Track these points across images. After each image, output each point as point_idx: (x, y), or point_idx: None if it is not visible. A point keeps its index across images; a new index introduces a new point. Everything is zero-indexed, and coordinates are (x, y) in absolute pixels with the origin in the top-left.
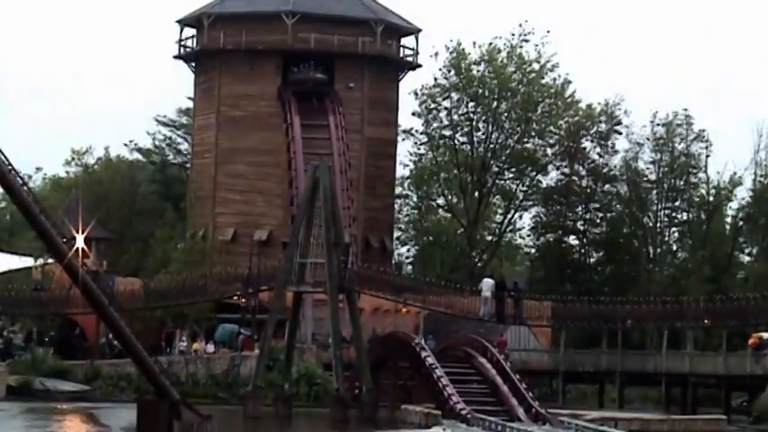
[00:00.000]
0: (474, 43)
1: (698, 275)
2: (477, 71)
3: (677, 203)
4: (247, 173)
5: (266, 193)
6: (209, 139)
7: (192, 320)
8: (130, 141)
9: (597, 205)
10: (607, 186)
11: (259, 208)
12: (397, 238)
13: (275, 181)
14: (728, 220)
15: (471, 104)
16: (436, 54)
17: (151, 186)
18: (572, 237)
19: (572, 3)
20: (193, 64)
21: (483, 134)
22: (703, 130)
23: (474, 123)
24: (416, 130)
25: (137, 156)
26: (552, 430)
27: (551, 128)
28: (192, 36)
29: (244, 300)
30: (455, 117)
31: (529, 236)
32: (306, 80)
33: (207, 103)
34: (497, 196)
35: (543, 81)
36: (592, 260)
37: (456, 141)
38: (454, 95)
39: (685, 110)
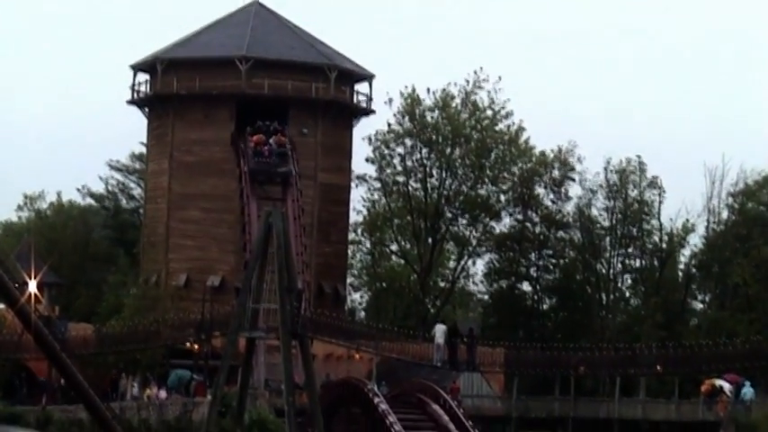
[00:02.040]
0: (428, 89)
1: (650, 322)
2: (431, 117)
3: (630, 250)
4: (200, 218)
5: (219, 239)
6: (162, 184)
7: (145, 366)
8: (83, 186)
9: (550, 252)
10: (560, 233)
11: (212, 254)
12: (351, 284)
13: (228, 227)
14: (681, 266)
15: (425, 150)
16: (390, 100)
17: (104, 231)
18: (525, 283)
19: (525, 50)
20: (147, 109)
21: (436, 180)
22: (656, 177)
23: (427, 169)
24: (370, 176)
25: (89, 201)
26: None
27: (505, 174)
28: (146, 81)
29: (196, 346)
30: (409, 163)
31: (482, 282)
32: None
33: (160, 148)
34: (451, 242)
35: (497, 128)
36: (545, 306)
37: (409, 187)
38: (408, 141)
39: (638, 156)
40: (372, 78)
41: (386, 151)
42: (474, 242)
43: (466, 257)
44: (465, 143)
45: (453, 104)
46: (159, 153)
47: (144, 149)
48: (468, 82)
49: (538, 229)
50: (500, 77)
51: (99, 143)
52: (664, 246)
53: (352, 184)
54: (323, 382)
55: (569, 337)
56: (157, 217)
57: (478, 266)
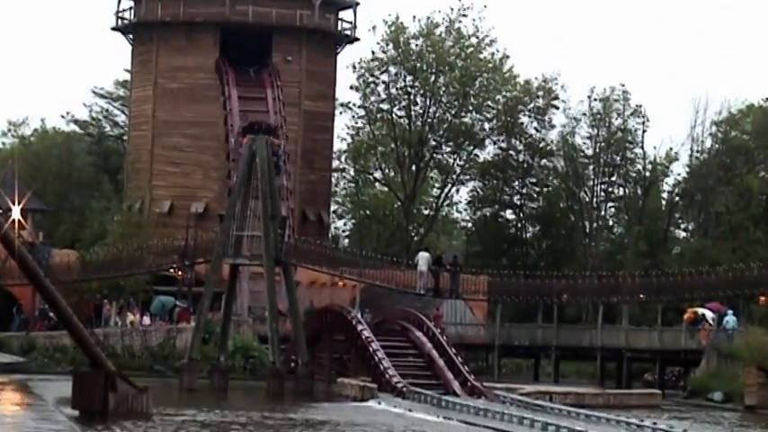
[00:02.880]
0: (413, 17)
1: (633, 250)
2: (416, 45)
3: (614, 179)
4: (184, 145)
5: (203, 166)
6: (146, 111)
7: (129, 293)
8: (67, 113)
9: (534, 180)
10: (544, 161)
11: (196, 180)
12: (334, 212)
13: (212, 154)
14: (664, 195)
15: (409, 78)
16: (374, 28)
17: (88, 158)
18: (509, 211)
19: None
20: (131, 36)
21: (420, 108)
22: (640, 106)
23: (412, 97)
24: (354, 104)
25: (73, 128)
26: (487, 404)
27: (489, 102)
28: (130, 8)
29: (180, 272)
30: (393, 91)
31: (466, 210)
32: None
33: (144, 75)
34: (434, 170)
35: (481, 56)
36: (528, 234)
37: (393, 115)
38: (392, 69)
39: (622, 85)
40: (357, 5)
41: (370, 79)
42: (458, 170)
43: (450, 185)
44: (449, 71)
45: (438, 32)
46: (143, 80)
47: (128, 76)
48: (452, 9)
49: (521, 158)
50: (485, 5)
51: (83, 70)
52: (647, 174)
53: (337, 112)
54: (306, 310)
55: (552, 265)
56: (141, 144)
57: (462, 194)
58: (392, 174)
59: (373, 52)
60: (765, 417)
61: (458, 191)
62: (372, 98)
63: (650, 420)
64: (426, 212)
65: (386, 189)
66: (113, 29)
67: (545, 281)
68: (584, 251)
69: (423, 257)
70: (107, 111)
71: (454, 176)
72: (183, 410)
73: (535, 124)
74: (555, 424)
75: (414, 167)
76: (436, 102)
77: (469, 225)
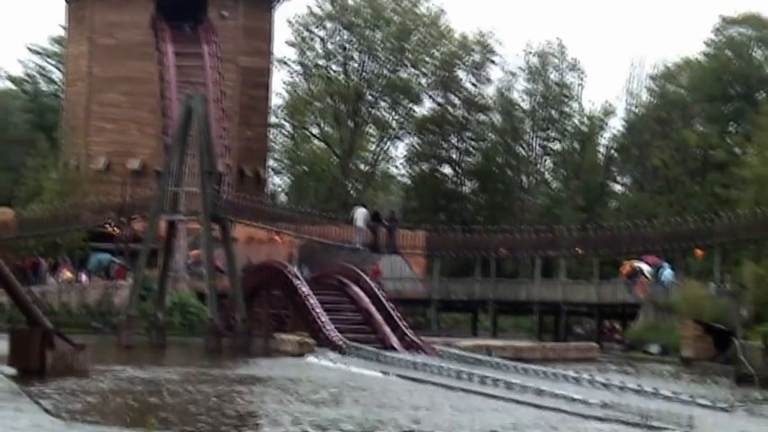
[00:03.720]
0: None
1: (571, 205)
2: (352, 0)
3: (551, 133)
4: (120, 102)
5: (139, 123)
6: (81, 67)
7: (66, 250)
8: (2, 70)
9: (471, 135)
10: (481, 116)
11: (132, 137)
12: (272, 168)
13: (148, 110)
14: (601, 149)
15: (346, 34)
16: None
17: (23, 115)
18: (446, 166)
19: None
20: None
21: (357, 64)
22: (577, 60)
23: (348, 53)
24: (290, 60)
25: (9, 85)
26: (425, 358)
27: (425, 58)
28: None
29: (117, 229)
30: (330, 46)
31: (403, 165)
32: None
33: (79, 31)
34: (372, 126)
35: (417, 11)
36: (466, 189)
37: (330, 71)
38: (328, 25)
39: (559, 39)
40: None
41: (306, 34)
42: (395, 125)
43: (387, 141)
44: (386, 26)
45: None
46: (79, 36)
47: (63, 32)
48: None
49: (459, 113)
50: None
51: (18, 26)
52: (584, 129)
53: (273, 68)
54: (244, 266)
55: (490, 220)
56: (77, 101)
57: (399, 150)
58: (329, 130)
59: (310, 8)
60: (701, 368)
61: (395, 146)
62: (309, 54)
63: (587, 373)
64: (364, 168)
65: (323, 145)
66: None
67: (483, 235)
68: (521, 206)
69: (360, 213)
70: (42, 67)
71: (391, 132)
72: (120, 367)
73: (472, 79)
74: (493, 377)
75: (351, 123)
76: (373, 57)
77: (407, 181)
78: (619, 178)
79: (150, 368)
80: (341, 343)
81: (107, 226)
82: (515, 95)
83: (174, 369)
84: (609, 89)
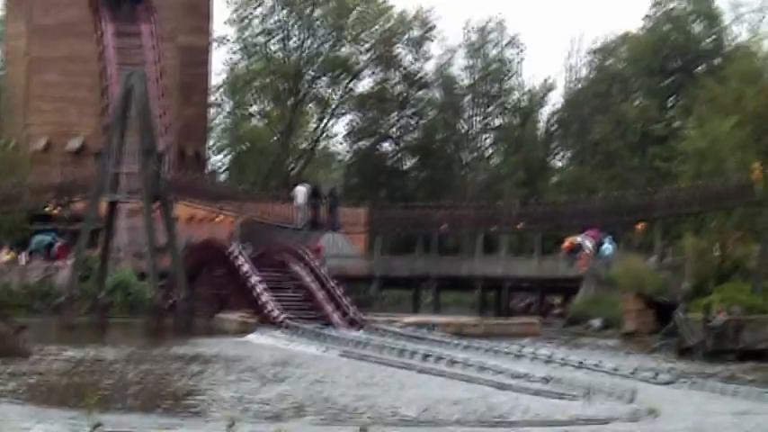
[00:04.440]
0: None
1: (512, 180)
2: None
3: (491, 109)
4: (59, 82)
5: (79, 102)
6: (20, 47)
7: (6, 231)
8: None
9: (411, 111)
10: (421, 92)
11: (72, 117)
12: (212, 146)
13: (88, 90)
14: (542, 124)
15: (284, 11)
16: None
17: None
18: (387, 143)
19: None
20: None
21: (297, 41)
22: (517, 36)
23: (287, 31)
24: (230, 38)
25: None
26: (368, 335)
27: (365, 34)
28: None
29: (58, 209)
30: (269, 24)
31: (343, 142)
32: None
33: (18, 10)
34: (312, 103)
35: None
36: (406, 166)
37: (270, 49)
38: (267, 2)
39: (499, 14)
40: None
41: (246, 13)
42: (335, 102)
43: (327, 118)
44: (325, 3)
45: None
46: (17, 15)
47: (1, 12)
48: None
49: (399, 89)
50: None
51: None
52: (524, 104)
53: (213, 46)
54: (185, 245)
55: (431, 196)
56: (16, 80)
57: (340, 127)
58: (269, 107)
59: None
60: (643, 342)
61: (335, 123)
62: (248, 32)
63: (530, 348)
64: (304, 146)
65: (263, 123)
66: None
67: (424, 212)
68: (462, 181)
69: (301, 191)
70: None
71: (331, 109)
72: (62, 348)
73: (412, 55)
74: (435, 354)
75: (291, 101)
76: (312, 34)
77: (348, 157)
78: (559, 153)
79: (91, 348)
80: (283, 321)
81: (48, 206)
82: (455, 71)
83: (116, 349)
84: (549, 64)
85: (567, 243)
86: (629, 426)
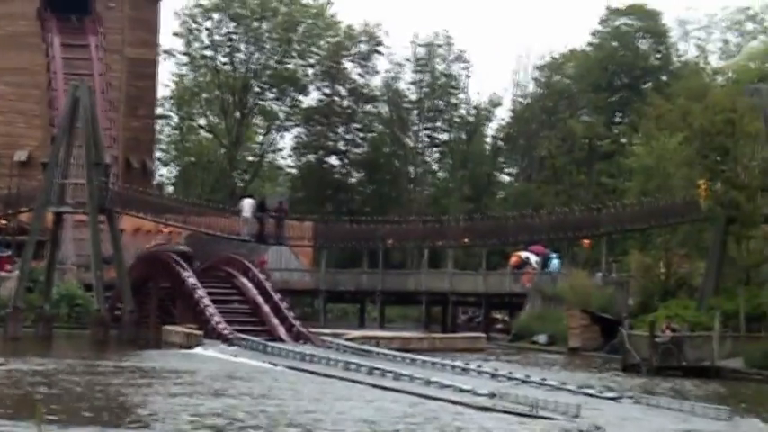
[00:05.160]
0: None
1: (458, 195)
2: None
3: (438, 124)
4: (6, 93)
5: (26, 114)
6: None
7: None
8: None
9: (358, 125)
10: (368, 107)
11: (19, 129)
12: (159, 159)
13: (35, 101)
14: (488, 140)
15: (232, 25)
16: None
17: None
18: (333, 157)
19: None
20: None
21: (244, 55)
22: (464, 51)
23: (235, 44)
24: (177, 51)
25: None
26: (313, 349)
27: (312, 48)
28: None
29: (3, 221)
30: (216, 38)
31: (290, 156)
32: None
33: None
34: (259, 116)
35: (304, 1)
36: (353, 180)
37: (217, 62)
38: (215, 16)
39: (446, 31)
40: None
41: (193, 26)
42: (282, 116)
43: (274, 131)
44: (272, 17)
45: None
46: None
47: None
48: None
49: (346, 103)
50: None
51: None
52: (471, 119)
53: (160, 59)
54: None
55: (378, 211)
56: None
57: (287, 140)
58: (216, 120)
59: None
60: (589, 358)
61: (282, 137)
62: (196, 45)
63: (475, 363)
64: (251, 159)
65: (210, 136)
66: None
67: (370, 226)
68: (408, 196)
69: (247, 204)
70: None
71: (278, 122)
72: (6, 359)
73: (359, 70)
74: (381, 368)
75: (238, 114)
76: (260, 48)
77: (294, 171)
78: (506, 168)
79: (37, 360)
80: (229, 334)
81: None
82: (402, 86)
83: (61, 361)
84: (496, 80)
85: (514, 258)
86: None
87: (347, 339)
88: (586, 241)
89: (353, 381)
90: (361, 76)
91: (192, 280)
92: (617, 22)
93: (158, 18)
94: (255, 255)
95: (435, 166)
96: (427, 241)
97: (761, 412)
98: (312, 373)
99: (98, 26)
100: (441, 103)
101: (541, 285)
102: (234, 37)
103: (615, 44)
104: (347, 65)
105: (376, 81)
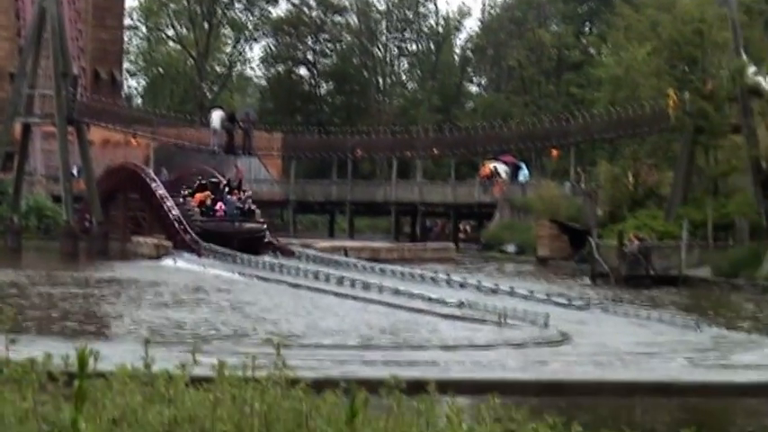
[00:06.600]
0: None
1: (427, 105)
2: None
3: (406, 34)
4: None
5: None
6: None
7: None
8: None
9: (327, 36)
10: (337, 17)
11: None
12: (127, 70)
13: (2, 12)
14: (457, 50)
15: None
16: None
17: None
18: (302, 68)
19: None
20: None
21: None
22: None
23: None
24: None
25: None
26: (283, 259)
27: None
28: None
29: None
30: None
31: (259, 67)
32: None
33: None
34: (227, 27)
35: None
36: (322, 91)
37: None
38: None
39: None
40: None
41: None
42: (251, 27)
43: (243, 42)
44: None
45: None
46: None
47: None
48: None
49: (315, 14)
50: None
51: None
52: (440, 30)
53: None
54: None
55: (347, 122)
56: None
57: (255, 51)
58: (185, 31)
59: None
60: (557, 267)
61: (251, 48)
62: None
63: (444, 273)
64: (220, 70)
65: (179, 47)
66: None
67: (339, 137)
68: (377, 107)
69: (216, 115)
70: None
71: (247, 33)
72: None
73: None
74: (350, 277)
75: (206, 25)
76: None
77: (263, 82)
78: (474, 79)
79: (4, 271)
80: (197, 245)
81: None
82: None
83: (29, 272)
84: None
85: (484, 169)
86: (542, 349)
87: (317, 249)
88: (555, 151)
89: (323, 290)
90: None
91: (161, 191)
92: None
93: None
94: (225, 166)
95: (404, 77)
96: (396, 152)
97: (728, 320)
98: (282, 283)
99: None
100: (409, 13)
101: (510, 195)
102: None
103: None
104: None
105: None
